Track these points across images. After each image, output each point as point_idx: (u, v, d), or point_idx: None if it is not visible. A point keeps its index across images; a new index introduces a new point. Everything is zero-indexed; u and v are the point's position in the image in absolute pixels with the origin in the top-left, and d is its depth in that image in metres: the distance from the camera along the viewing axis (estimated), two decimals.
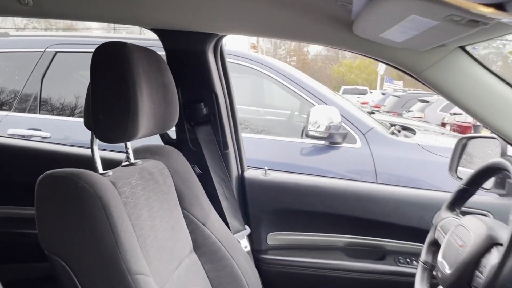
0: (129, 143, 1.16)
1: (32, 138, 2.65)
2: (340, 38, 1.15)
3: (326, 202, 1.52)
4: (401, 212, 1.48)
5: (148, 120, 1.01)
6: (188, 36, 1.38)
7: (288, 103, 3.29)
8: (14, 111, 2.88)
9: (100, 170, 1.04)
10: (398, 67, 1.18)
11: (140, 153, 1.22)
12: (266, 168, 1.58)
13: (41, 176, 0.91)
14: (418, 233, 1.42)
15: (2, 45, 3.03)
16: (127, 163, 1.17)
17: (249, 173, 1.59)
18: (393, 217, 1.49)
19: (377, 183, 1.78)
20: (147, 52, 1.08)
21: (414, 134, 2.91)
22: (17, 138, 2.05)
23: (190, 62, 1.43)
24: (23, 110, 2.87)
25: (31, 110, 2.87)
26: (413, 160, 2.35)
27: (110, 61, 0.96)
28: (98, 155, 1.05)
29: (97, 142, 1.05)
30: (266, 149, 2.53)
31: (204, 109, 1.46)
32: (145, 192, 1.08)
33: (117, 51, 0.96)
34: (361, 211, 1.51)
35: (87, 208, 0.87)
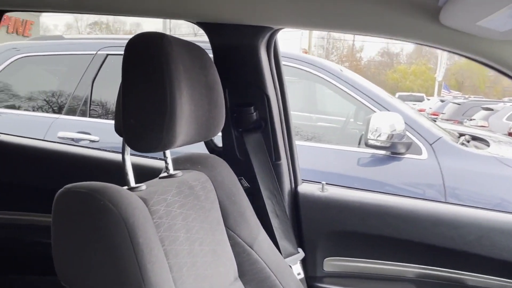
0: (168, 152, 1.01)
1: (81, 142, 2.63)
2: (422, 29, 0.94)
3: (394, 224, 1.29)
4: (488, 241, 1.23)
5: (188, 125, 0.86)
6: (238, 30, 1.22)
7: (342, 109, 3.09)
8: (65, 114, 2.89)
9: (132, 183, 0.89)
10: (495, 66, 0.95)
11: (181, 162, 1.08)
12: (323, 182, 1.38)
13: (60, 190, 0.77)
14: (510, 268, 1.16)
15: (56, 48, 3.06)
16: (165, 174, 1.03)
17: (303, 188, 1.40)
18: (478, 247, 1.24)
19: (458, 204, 1.52)
20: (189, 46, 0.93)
21: (488, 146, 2.59)
22: (61, 143, 1.98)
23: (239, 60, 1.27)
24: (73, 113, 2.87)
25: (82, 113, 2.87)
26: (490, 176, 2.06)
27: (144, 55, 0.81)
28: (130, 165, 0.90)
29: (129, 150, 0.90)
30: (318, 158, 2.33)
31: (254, 113, 1.30)
32: (183, 210, 0.92)
33: (153, 43, 0.81)
34: (438, 237, 1.27)
35: (109, 233, 0.72)
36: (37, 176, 1.50)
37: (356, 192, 1.42)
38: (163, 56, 0.80)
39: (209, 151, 1.36)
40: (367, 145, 2.25)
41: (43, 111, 3.00)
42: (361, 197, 1.37)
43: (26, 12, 10.31)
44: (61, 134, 2.64)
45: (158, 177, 1.02)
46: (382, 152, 2.28)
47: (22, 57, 3.02)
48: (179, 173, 1.03)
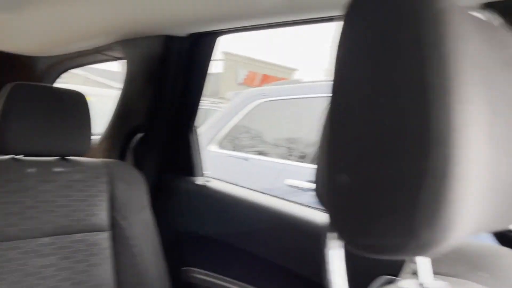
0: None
1: (309, 192, 2.39)
2: None
3: None
4: None
5: (483, 198, 0.34)
6: None
7: None
8: (298, 160, 2.74)
9: None
10: None
11: (443, 260, 0.54)
12: None
13: None
14: None
15: (293, 92, 3.00)
16: (414, 285, 0.50)
17: None
18: None
19: None
20: (489, 27, 0.41)
21: None
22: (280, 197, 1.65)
23: None
24: (306, 160, 2.69)
25: (314, 160, 2.65)
26: None
27: (384, 20, 0.34)
28: (341, 270, 0.42)
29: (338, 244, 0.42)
30: None
31: None
32: None
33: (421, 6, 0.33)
34: None
35: None
36: (234, 232, 1.18)
37: None
38: (436, 28, 0.31)
39: (498, 240, 0.74)
40: None
41: (277, 157, 2.94)
42: None
43: (282, 71, 11.27)
44: (289, 181, 2.48)
45: (395, 284, 0.51)
46: None
47: (264, 101, 3.07)
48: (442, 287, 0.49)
